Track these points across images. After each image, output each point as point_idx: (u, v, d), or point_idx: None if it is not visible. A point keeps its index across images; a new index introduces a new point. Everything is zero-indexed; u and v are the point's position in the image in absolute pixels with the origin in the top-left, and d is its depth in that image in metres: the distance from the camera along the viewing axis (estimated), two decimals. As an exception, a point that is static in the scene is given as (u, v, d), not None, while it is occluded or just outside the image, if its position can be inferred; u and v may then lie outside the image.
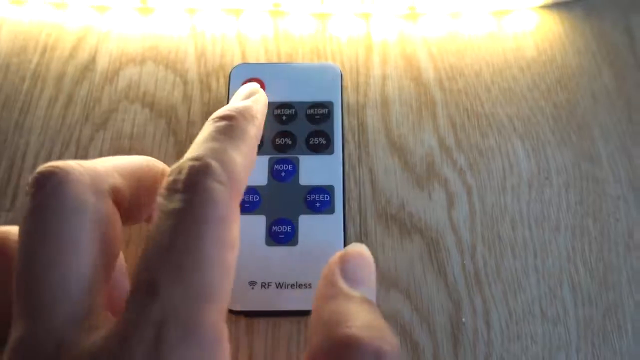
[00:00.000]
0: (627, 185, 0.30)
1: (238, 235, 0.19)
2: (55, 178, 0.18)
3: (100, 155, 0.30)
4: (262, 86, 0.29)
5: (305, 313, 0.25)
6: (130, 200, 0.21)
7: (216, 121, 0.22)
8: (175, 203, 0.17)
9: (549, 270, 0.28)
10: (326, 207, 0.27)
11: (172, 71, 0.33)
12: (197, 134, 0.30)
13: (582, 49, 0.34)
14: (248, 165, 0.21)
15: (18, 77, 0.33)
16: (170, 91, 0.32)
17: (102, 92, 0.32)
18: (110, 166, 0.20)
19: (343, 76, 0.31)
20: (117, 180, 0.20)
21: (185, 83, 0.32)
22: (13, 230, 0.19)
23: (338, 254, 0.22)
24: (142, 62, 0.33)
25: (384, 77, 0.33)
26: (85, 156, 0.30)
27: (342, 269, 0.21)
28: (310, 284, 0.26)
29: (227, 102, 0.29)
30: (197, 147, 0.20)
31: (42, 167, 0.18)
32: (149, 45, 0.34)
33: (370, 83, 0.32)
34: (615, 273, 0.28)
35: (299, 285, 0.26)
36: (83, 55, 0.33)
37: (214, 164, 0.19)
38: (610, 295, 0.27)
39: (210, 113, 0.31)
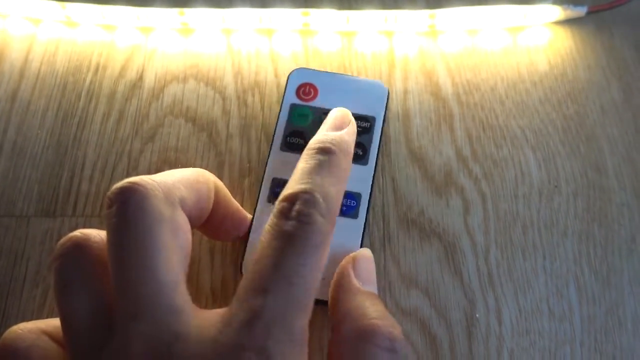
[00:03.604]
0: (631, 194, 0.32)
1: (326, 260, 0.22)
2: (137, 194, 0.21)
3: (150, 165, 0.34)
4: (316, 91, 0.33)
5: (319, 302, 0.28)
6: (192, 209, 0.24)
7: (319, 152, 0.25)
8: (289, 227, 0.21)
9: (556, 271, 0.30)
10: (351, 212, 0.30)
11: (212, 88, 0.36)
12: (235, 146, 0.34)
13: (593, 63, 0.36)
14: (341, 197, 0.25)
15: (74, 95, 0.36)
16: (210, 106, 0.35)
17: (150, 108, 0.35)
18: (176, 179, 0.24)
19: (389, 95, 0.34)
20: (183, 192, 0.23)
21: (224, 99, 0.35)
22: (92, 232, 0.22)
23: (350, 256, 0.27)
24: (185, 79, 0.36)
25: (406, 92, 0.35)
26: (136, 167, 0.34)
27: (355, 270, 0.26)
28: (323, 278, 0.28)
29: (283, 98, 0.33)
30: (304, 178, 0.24)
31: (123, 183, 0.21)
32: (190, 64, 0.37)
33: (393, 97, 0.35)
34: (618, 274, 0.30)
35: None
36: (131, 74, 0.37)
37: (320, 199, 0.23)
38: (612, 294, 0.30)
39: (247, 127, 0.34)
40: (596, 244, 0.31)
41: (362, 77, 0.36)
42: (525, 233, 0.31)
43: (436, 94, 0.35)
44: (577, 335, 0.29)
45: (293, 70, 0.34)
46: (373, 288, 0.25)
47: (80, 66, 0.37)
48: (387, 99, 0.33)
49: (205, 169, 0.33)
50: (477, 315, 0.29)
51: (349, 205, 0.30)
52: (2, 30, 0.39)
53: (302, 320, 0.20)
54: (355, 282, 0.25)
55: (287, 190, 0.23)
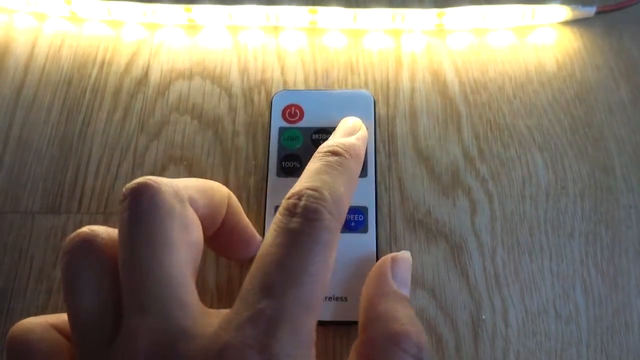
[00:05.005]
0: (638, 195, 0.32)
1: (334, 260, 0.22)
2: (150, 189, 0.21)
3: (155, 162, 0.33)
4: (302, 112, 0.32)
5: (340, 324, 0.28)
6: (203, 212, 0.24)
7: (328, 155, 0.25)
8: (294, 224, 0.21)
9: (563, 272, 0.30)
10: (360, 227, 0.29)
11: (218, 85, 0.36)
12: (241, 144, 0.34)
13: (601, 63, 0.36)
14: (350, 198, 0.25)
15: (80, 91, 0.36)
16: (216, 104, 0.35)
17: (155, 105, 0.35)
18: (189, 183, 0.24)
19: (376, 103, 0.34)
20: (194, 193, 0.23)
21: (230, 96, 0.35)
22: (100, 229, 0.22)
23: (389, 256, 0.27)
24: (191, 76, 0.36)
25: (413, 91, 0.35)
26: (142, 164, 0.33)
27: (393, 271, 0.26)
28: (345, 298, 0.28)
29: (270, 123, 0.32)
30: (312, 177, 0.24)
31: (138, 180, 0.21)
32: (196, 61, 0.37)
33: (400, 96, 0.35)
34: (625, 276, 0.30)
35: (336, 299, 0.28)
36: (137, 70, 0.36)
37: (328, 197, 0.22)
38: (619, 296, 0.30)
39: (253, 124, 0.34)
40: (603, 245, 0.31)
41: (346, 89, 0.35)
42: (532, 234, 0.31)
43: (443, 93, 0.35)
44: (583, 336, 0.29)
45: (275, 94, 0.33)
46: (407, 291, 0.26)
47: (85, 62, 0.37)
48: (375, 107, 0.33)
49: (212, 167, 0.33)
50: (483, 316, 0.29)
51: (357, 220, 0.30)
52: (8, 25, 0.39)
53: (310, 320, 0.20)
54: (391, 282, 0.25)
55: (293, 188, 0.23)
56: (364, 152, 0.28)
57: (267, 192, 0.31)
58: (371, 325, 0.23)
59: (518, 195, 0.32)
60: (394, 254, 0.27)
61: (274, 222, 0.22)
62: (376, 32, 0.37)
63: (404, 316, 0.23)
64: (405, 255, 0.27)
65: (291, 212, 0.22)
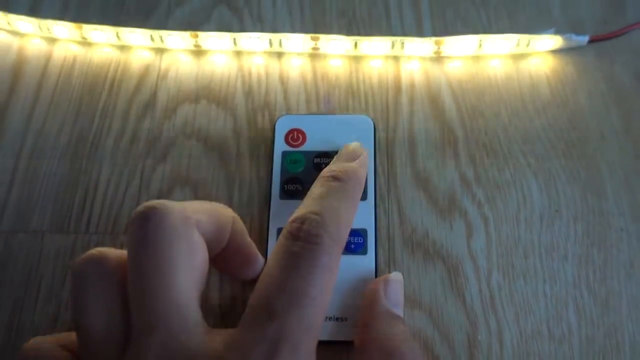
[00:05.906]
0: (630, 219, 0.33)
1: (335, 283, 0.23)
2: (158, 213, 0.22)
3: (162, 184, 0.34)
4: (304, 136, 0.34)
5: (340, 343, 0.28)
6: (209, 235, 0.25)
7: (331, 180, 0.27)
8: (296, 248, 0.22)
9: (556, 295, 0.31)
10: (360, 249, 0.30)
11: (223, 108, 0.37)
12: (245, 166, 0.35)
13: (593, 91, 0.37)
14: (351, 223, 0.26)
15: (89, 113, 0.37)
16: (221, 127, 0.36)
17: (162, 128, 0.36)
18: (195, 206, 0.25)
19: (376, 127, 0.35)
20: (201, 216, 0.24)
21: (234, 119, 0.36)
22: (109, 251, 0.23)
23: (382, 278, 0.28)
24: (197, 100, 0.37)
25: (411, 116, 0.36)
26: (148, 186, 0.34)
27: (386, 292, 0.27)
28: (346, 318, 0.29)
29: (273, 146, 0.34)
30: (315, 202, 0.25)
31: (146, 204, 0.23)
32: (202, 85, 0.38)
33: (399, 121, 0.36)
34: (617, 298, 0.31)
35: (336, 319, 0.29)
36: (145, 94, 0.38)
37: (330, 221, 0.23)
38: (611, 318, 0.31)
39: (257, 147, 0.35)
40: (595, 268, 0.32)
41: (347, 114, 0.36)
42: (527, 257, 0.32)
43: (441, 118, 0.36)
44: (575, 357, 0.30)
45: (278, 118, 0.35)
46: (400, 311, 0.27)
47: (95, 85, 0.38)
48: (375, 131, 0.34)
49: (216, 189, 0.34)
50: (479, 337, 0.30)
51: (357, 242, 0.31)
52: (19, 49, 0.40)
53: (310, 341, 0.21)
54: (385, 303, 0.26)
55: (296, 213, 0.24)
56: (364, 177, 0.29)
57: (270, 214, 0.32)
58: (367, 345, 0.24)
59: (513, 219, 0.33)
60: (385, 275, 0.28)
61: (277, 245, 0.23)
62: (376, 59, 0.38)
63: (399, 335, 0.24)
64: (397, 276, 0.28)
65: (294, 236, 0.23)
